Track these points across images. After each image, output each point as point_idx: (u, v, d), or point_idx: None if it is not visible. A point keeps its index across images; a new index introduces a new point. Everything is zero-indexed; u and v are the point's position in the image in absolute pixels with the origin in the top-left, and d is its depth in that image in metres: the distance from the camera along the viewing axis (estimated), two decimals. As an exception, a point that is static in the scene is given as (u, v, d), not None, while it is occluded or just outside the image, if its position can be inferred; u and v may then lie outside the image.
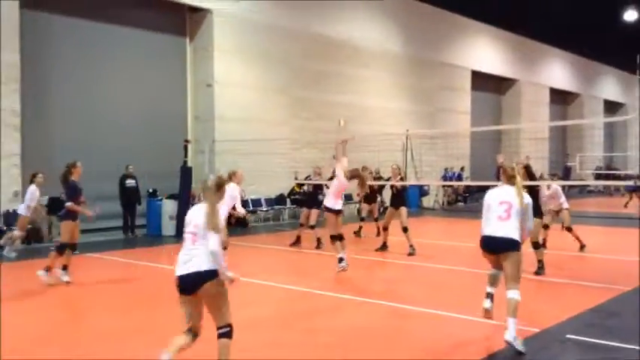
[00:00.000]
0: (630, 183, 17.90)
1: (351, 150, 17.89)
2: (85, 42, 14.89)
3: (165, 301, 7.84)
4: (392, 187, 12.23)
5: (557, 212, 11.95)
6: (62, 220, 8.98)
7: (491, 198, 5.89)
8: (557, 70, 34.02)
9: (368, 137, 17.56)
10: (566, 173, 30.21)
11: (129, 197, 14.56)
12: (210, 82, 16.87)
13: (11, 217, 12.21)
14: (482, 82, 28.29)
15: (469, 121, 26.45)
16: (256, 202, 17.68)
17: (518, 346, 5.39)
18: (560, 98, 35.08)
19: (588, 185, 32.09)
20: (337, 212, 9.49)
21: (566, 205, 11.90)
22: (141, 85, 16.05)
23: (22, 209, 10.69)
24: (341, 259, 9.22)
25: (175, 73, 17.07)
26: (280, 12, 18.44)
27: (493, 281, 6.11)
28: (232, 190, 8.91)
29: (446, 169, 23.71)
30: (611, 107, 39.79)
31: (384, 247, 11.90)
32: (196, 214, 4.58)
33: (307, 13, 19.34)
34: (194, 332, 4.65)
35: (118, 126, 15.43)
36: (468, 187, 25.34)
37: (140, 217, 15.03)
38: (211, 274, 4.44)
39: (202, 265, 4.46)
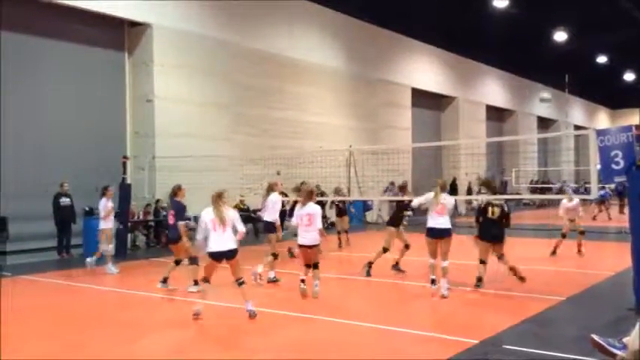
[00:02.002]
0: (601, 193, 18.83)
1: (295, 166, 18.01)
2: (20, 56, 14.32)
3: (98, 322, 7.56)
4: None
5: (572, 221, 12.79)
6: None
7: (431, 200, 8.92)
8: (494, 88, 35.26)
9: (311, 153, 17.63)
10: (503, 187, 31.18)
11: (63, 216, 14.01)
12: (150, 97, 16.54)
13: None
14: (423, 99, 28.96)
15: (410, 137, 26.98)
16: (197, 219, 17.36)
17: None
18: (497, 115, 36.34)
19: (523, 198, 33.27)
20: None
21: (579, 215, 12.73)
22: (78, 101, 15.55)
23: (103, 224, 11.59)
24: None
25: (114, 88, 16.63)
26: (222, 27, 18.34)
27: (433, 270, 8.91)
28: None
29: (392, 184, 24.04)
30: (544, 123, 41.53)
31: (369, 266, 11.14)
32: None
33: (249, 29, 19.32)
34: None
35: (55, 142, 14.88)
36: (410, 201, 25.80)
37: (76, 237, 14.48)
38: None
39: None
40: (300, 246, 8.76)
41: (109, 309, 8.54)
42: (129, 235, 15.07)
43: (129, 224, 14.80)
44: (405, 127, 26.98)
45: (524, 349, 5.98)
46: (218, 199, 7.58)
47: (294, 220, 8.85)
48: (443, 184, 9.20)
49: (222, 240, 7.37)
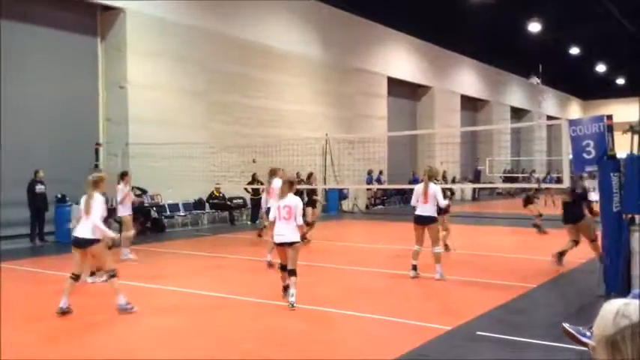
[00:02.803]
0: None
1: (271, 154, 17.95)
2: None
3: (75, 311, 7.47)
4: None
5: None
6: None
7: (417, 189, 9.23)
8: (468, 78, 35.54)
9: (287, 141, 17.57)
10: (477, 176, 31.56)
11: (38, 203, 13.79)
12: (122, 83, 16.26)
13: None
14: (399, 88, 29.05)
15: (386, 126, 27.08)
16: (174, 207, 17.25)
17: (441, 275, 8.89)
18: (471, 105, 36.66)
19: (497, 188, 33.73)
20: None
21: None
22: (50, 86, 15.22)
23: (123, 210, 11.24)
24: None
25: (86, 74, 16.30)
26: (197, 13, 18.10)
27: (416, 256, 9.14)
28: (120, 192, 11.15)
29: (369, 172, 24.17)
30: (518, 113, 42.05)
31: None
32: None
33: (225, 16, 19.10)
34: None
35: (26, 129, 14.54)
36: (385, 190, 25.99)
37: (48, 224, 14.25)
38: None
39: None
40: (278, 244, 7.50)
41: (79, 297, 8.43)
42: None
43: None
44: (380, 116, 27.05)
45: (497, 335, 6.09)
46: (92, 185, 7.21)
47: (271, 216, 7.58)
48: (430, 173, 9.34)
49: (81, 228, 7.08)
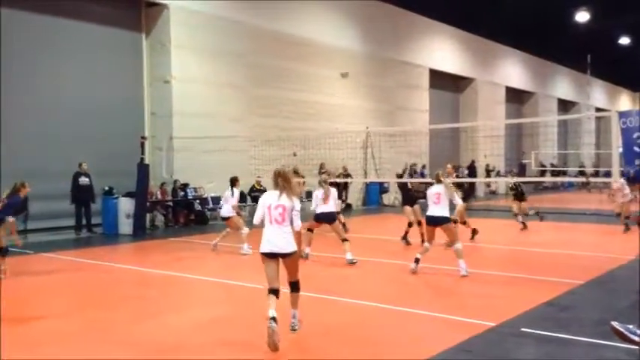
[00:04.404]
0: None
1: (312, 147, 17.97)
2: (38, 37, 14.41)
3: (120, 300, 7.67)
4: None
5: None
6: None
7: (430, 192, 9.26)
8: (513, 70, 34.76)
9: (328, 134, 17.58)
10: (522, 170, 30.91)
11: (83, 195, 14.18)
12: (167, 78, 16.57)
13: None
14: (441, 80, 28.66)
15: (428, 119, 26.78)
16: (216, 200, 17.47)
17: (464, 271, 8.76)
18: (516, 97, 35.88)
19: (543, 182, 32.95)
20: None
21: (629, 198, 12.87)
22: (96, 81, 15.63)
23: (228, 211, 11.43)
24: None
25: (132, 68, 16.68)
26: (238, 8, 18.24)
27: (424, 251, 9.25)
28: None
29: (411, 166, 23.94)
30: (565, 106, 40.93)
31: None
32: None
33: (266, 10, 19.19)
34: None
35: (74, 123, 15.00)
36: (427, 184, 25.71)
37: (95, 216, 14.66)
38: None
39: None
40: (267, 255, 5.74)
41: (127, 286, 8.66)
42: (147, 215, 15.19)
43: (147, 204, 14.92)
44: (422, 109, 26.76)
45: (542, 332, 5.95)
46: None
47: (256, 218, 5.88)
48: (437, 176, 9.39)
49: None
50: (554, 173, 32.70)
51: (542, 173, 31.09)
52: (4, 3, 13.67)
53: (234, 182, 11.63)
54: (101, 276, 9.53)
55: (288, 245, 5.72)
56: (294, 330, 5.90)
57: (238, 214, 11.66)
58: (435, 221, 9.10)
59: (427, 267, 9.77)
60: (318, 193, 10.45)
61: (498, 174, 28.87)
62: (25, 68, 14.17)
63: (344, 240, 10.16)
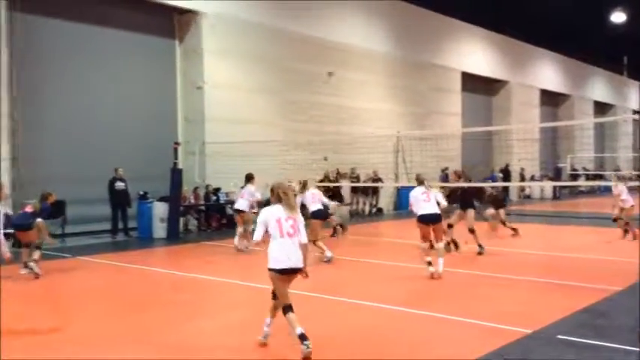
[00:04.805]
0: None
1: (343, 151, 17.96)
2: (74, 44, 14.79)
3: (156, 304, 7.80)
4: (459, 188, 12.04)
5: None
6: None
7: (416, 192, 9.31)
8: (548, 72, 34.19)
9: (359, 139, 17.57)
10: (557, 174, 30.34)
11: (119, 200, 14.48)
12: (199, 84, 16.79)
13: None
14: (473, 83, 28.36)
15: (460, 122, 26.51)
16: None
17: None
18: (551, 99, 35.25)
19: (579, 186, 32.29)
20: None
21: (629, 204, 12.65)
22: (131, 88, 15.95)
23: (243, 205, 12.03)
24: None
25: (165, 75, 16.98)
26: (270, 13, 18.39)
27: (427, 252, 9.17)
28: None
29: (442, 170, 23.75)
30: (601, 108, 40.04)
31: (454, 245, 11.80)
32: None
33: (297, 15, 19.30)
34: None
35: (108, 128, 15.33)
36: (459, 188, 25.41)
37: (131, 220, 14.93)
38: None
39: None
40: (280, 271, 5.45)
41: (162, 289, 8.80)
42: (181, 219, 15.39)
43: (181, 208, 15.13)
44: (454, 113, 26.52)
45: (579, 340, 5.83)
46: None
47: (256, 235, 5.59)
48: (417, 178, 9.68)
49: None
50: (589, 177, 31.99)
51: (575, 177, 30.46)
52: (40, 11, 14.08)
53: (249, 178, 12.38)
54: (136, 279, 9.71)
55: (300, 260, 5.48)
56: (309, 349, 5.28)
57: (252, 210, 11.98)
58: (431, 219, 9.15)
59: (456, 272, 9.67)
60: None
61: (533, 178, 28.40)
62: (62, 76, 14.55)
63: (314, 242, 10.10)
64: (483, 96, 30.48)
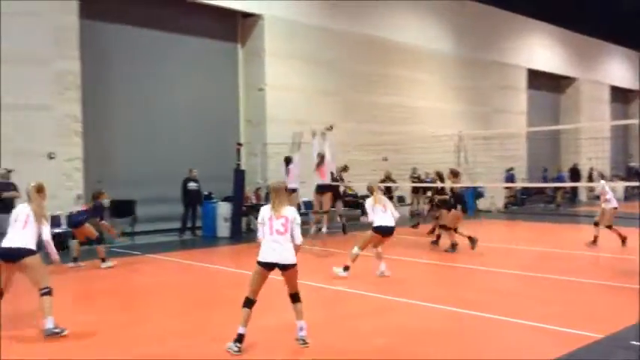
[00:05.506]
0: None
1: (404, 152, 17.82)
2: (141, 49, 15.34)
3: (220, 301, 7.99)
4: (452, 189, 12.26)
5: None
6: None
7: (371, 202, 8.99)
8: (618, 68, 32.74)
9: (419, 138, 17.38)
10: (629, 173, 28.99)
11: (191, 199, 14.95)
12: (261, 86, 17.07)
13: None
14: (539, 80, 27.53)
15: (525, 121, 25.79)
16: (308, 205, 17.73)
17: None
18: (622, 96, 33.76)
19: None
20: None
21: (611, 205, 11.87)
22: (195, 90, 16.39)
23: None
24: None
25: (228, 77, 17.36)
26: (328, 14, 18.47)
27: (355, 258, 9.00)
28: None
29: (507, 170, 23.17)
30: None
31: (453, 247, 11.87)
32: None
33: (356, 16, 19.29)
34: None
35: (174, 131, 15.82)
36: (525, 189, 24.75)
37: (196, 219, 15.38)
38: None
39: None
40: (262, 264, 5.69)
41: (227, 288, 8.98)
42: (243, 219, 15.69)
43: (243, 208, 15.42)
44: (519, 111, 25.81)
45: (655, 347, 5.57)
46: (35, 193, 6.43)
47: (259, 234, 5.82)
48: (370, 189, 9.41)
49: (15, 237, 6.16)
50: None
51: None
52: (108, 18, 14.69)
53: (288, 161, 13.69)
54: (201, 277, 9.97)
55: (290, 257, 5.69)
56: (306, 343, 5.64)
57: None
58: (388, 231, 8.94)
59: (521, 274, 9.42)
60: None
61: (603, 177, 27.22)
62: (130, 79, 15.12)
63: None
64: (550, 93, 29.53)
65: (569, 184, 23.94)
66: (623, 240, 12.01)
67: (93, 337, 6.18)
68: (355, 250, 9.04)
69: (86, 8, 13.68)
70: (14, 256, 6.05)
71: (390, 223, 8.91)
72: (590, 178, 26.62)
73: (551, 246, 11.72)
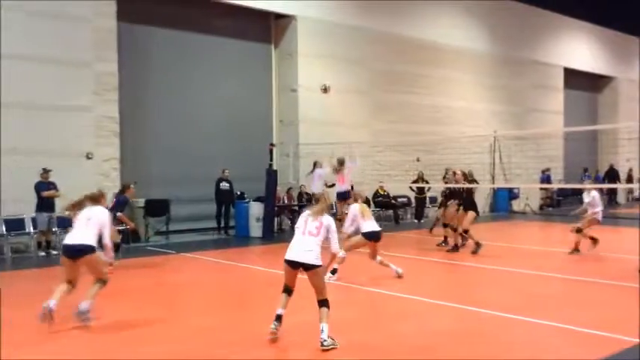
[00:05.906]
0: None
1: (437, 152, 17.67)
2: (176, 51, 15.59)
3: (254, 299, 8.08)
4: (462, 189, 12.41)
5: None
6: None
7: (356, 210, 9.01)
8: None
9: (453, 138, 17.23)
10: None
11: (223, 199, 15.14)
12: (294, 87, 17.15)
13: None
14: (576, 80, 26.97)
15: (562, 121, 25.30)
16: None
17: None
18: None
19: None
20: None
21: (596, 210, 11.53)
22: (229, 91, 16.56)
23: (318, 188, 13.54)
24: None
25: (261, 78, 17.51)
26: (361, 14, 18.45)
27: (342, 260, 8.13)
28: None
29: (543, 171, 22.76)
30: None
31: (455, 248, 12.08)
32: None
33: (389, 15, 19.22)
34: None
35: (208, 131, 16.02)
36: (560, 190, 24.29)
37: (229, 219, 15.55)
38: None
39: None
40: (286, 261, 5.92)
41: (260, 287, 9.07)
42: (275, 219, 15.80)
43: (275, 208, 15.52)
44: (555, 111, 25.34)
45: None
46: (90, 200, 6.86)
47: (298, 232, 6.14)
48: (354, 197, 9.65)
49: (75, 235, 6.56)
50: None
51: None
52: (145, 21, 14.96)
53: (315, 164, 14.42)
54: (234, 276, 10.09)
55: (314, 258, 5.74)
56: (325, 347, 5.52)
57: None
58: (375, 236, 8.94)
59: (557, 277, 9.26)
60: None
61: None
62: (166, 81, 15.38)
63: None
64: (588, 93, 28.90)
65: (605, 186, 23.39)
66: (594, 241, 11.66)
67: (128, 331, 6.32)
68: (341, 253, 8.61)
69: (124, 11, 13.99)
70: (77, 252, 6.46)
71: (377, 228, 9.06)
72: (630, 179, 25.96)
73: (585, 248, 11.50)
